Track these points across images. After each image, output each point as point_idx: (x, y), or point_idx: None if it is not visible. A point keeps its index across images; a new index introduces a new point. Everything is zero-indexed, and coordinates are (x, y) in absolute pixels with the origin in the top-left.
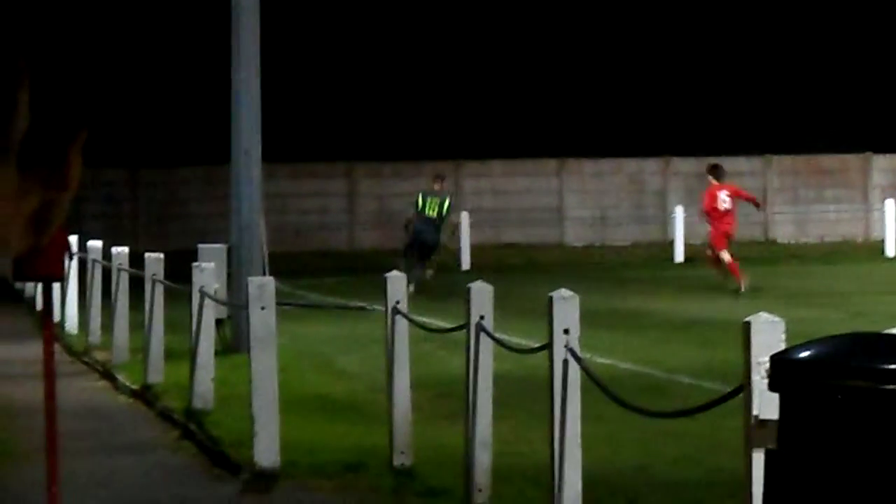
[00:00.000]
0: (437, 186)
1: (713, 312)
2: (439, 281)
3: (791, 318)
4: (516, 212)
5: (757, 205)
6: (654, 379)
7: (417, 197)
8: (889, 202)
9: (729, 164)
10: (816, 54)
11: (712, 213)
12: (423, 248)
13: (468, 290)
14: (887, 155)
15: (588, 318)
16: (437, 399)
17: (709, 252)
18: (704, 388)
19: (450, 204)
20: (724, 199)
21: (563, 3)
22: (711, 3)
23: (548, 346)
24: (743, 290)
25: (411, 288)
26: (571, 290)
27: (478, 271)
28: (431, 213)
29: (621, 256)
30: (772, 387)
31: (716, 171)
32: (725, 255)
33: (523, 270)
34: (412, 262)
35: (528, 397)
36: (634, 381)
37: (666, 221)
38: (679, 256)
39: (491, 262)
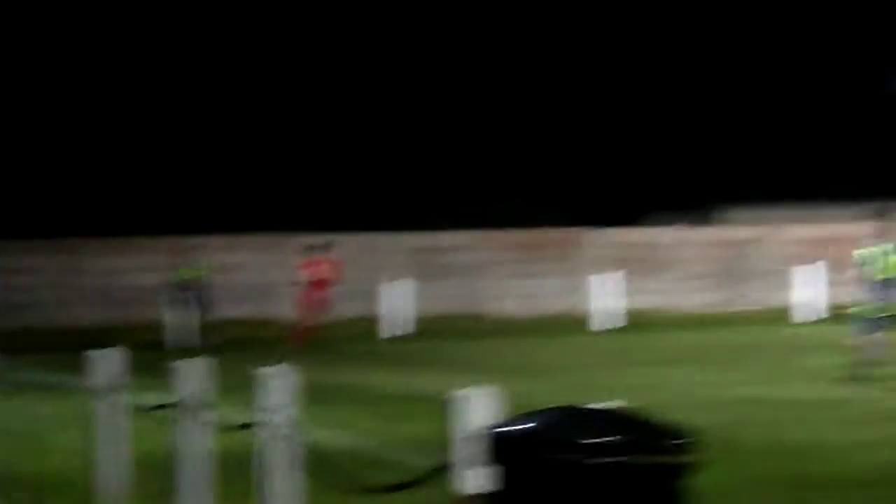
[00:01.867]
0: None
1: (427, 385)
2: (162, 359)
3: (502, 391)
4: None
5: (329, 284)
6: (371, 453)
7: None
8: (594, 278)
9: (442, 238)
10: (531, 132)
11: (310, 283)
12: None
13: (176, 368)
14: (598, 229)
15: (300, 392)
16: (150, 476)
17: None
18: (418, 462)
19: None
20: (321, 272)
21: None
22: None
23: (256, 424)
24: (289, 347)
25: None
26: (287, 365)
27: (209, 349)
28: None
29: (331, 331)
30: (483, 460)
31: (324, 248)
32: (307, 321)
33: (249, 344)
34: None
35: (244, 474)
36: (350, 455)
37: (372, 296)
38: (386, 331)
39: (219, 338)
